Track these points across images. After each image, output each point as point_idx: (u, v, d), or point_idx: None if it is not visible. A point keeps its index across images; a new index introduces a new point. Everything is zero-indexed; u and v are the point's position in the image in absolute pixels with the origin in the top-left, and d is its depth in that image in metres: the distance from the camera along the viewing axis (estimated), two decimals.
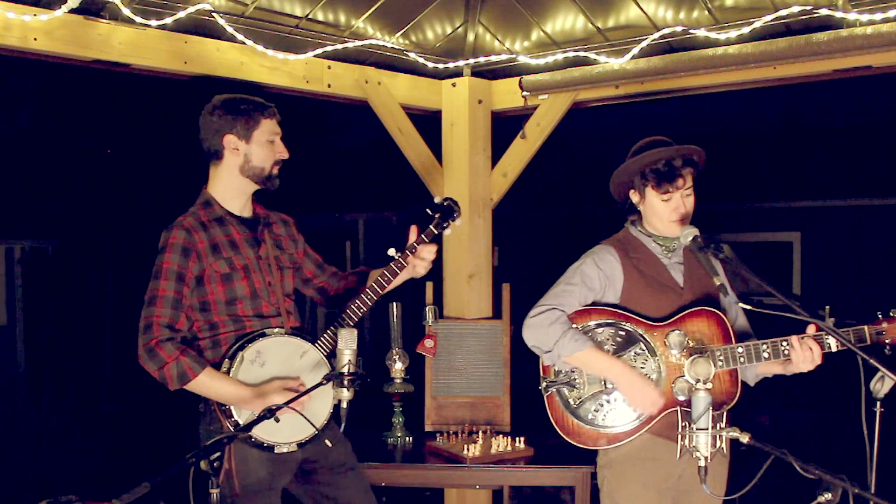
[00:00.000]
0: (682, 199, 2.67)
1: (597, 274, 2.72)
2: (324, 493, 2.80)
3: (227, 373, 2.56)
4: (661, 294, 2.71)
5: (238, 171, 2.69)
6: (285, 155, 2.75)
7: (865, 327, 2.50)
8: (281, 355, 2.65)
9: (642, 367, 2.66)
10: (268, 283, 2.71)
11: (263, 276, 2.70)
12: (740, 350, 2.59)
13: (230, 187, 2.71)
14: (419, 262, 2.84)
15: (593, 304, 2.73)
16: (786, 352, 2.55)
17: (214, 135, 2.67)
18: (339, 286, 3.02)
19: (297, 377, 2.64)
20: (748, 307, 2.54)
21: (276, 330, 2.67)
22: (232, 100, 2.70)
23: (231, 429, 2.53)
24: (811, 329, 2.52)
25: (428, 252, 2.84)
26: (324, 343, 2.73)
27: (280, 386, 2.57)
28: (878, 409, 2.54)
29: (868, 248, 10.47)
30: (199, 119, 2.71)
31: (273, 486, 2.65)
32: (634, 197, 2.76)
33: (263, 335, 2.64)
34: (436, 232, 2.89)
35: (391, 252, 2.81)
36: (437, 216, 2.89)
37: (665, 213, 2.69)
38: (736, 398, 2.65)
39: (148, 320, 2.51)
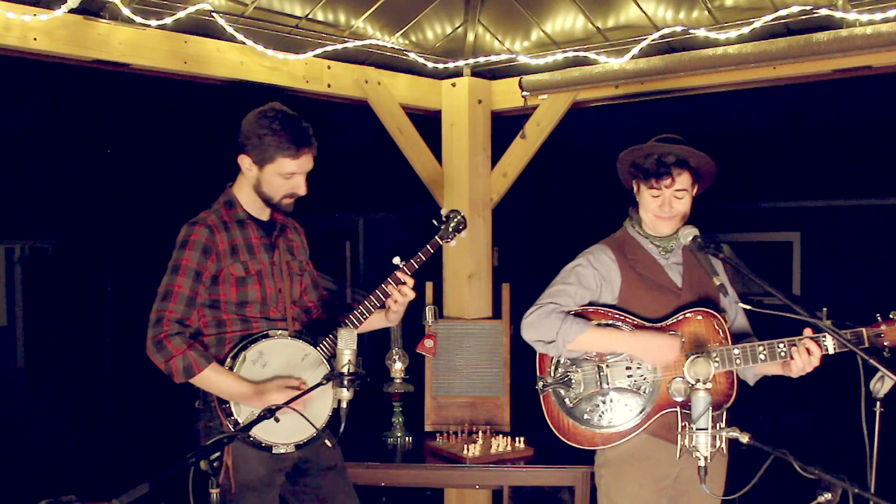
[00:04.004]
0: (670, 198, 2.65)
1: (592, 273, 2.72)
2: (311, 493, 2.81)
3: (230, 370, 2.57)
4: (660, 295, 2.70)
5: (251, 187, 2.69)
6: (301, 192, 2.68)
7: (864, 330, 2.48)
8: (283, 357, 2.66)
9: (638, 369, 2.66)
10: (278, 289, 2.73)
11: (275, 283, 2.72)
12: (736, 352, 2.58)
13: (248, 195, 2.72)
14: (394, 304, 2.80)
15: (591, 304, 2.73)
16: (782, 353, 2.53)
17: (237, 146, 2.64)
18: (323, 314, 2.97)
19: (298, 377, 2.65)
20: (748, 307, 2.53)
21: (280, 332, 2.68)
22: (265, 120, 2.59)
23: (230, 427, 2.54)
24: (808, 331, 2.51)
25: (407, 292, 2.80)
26: (325, 346, 2.74)
27: (281, 384, 2.57)
28: (878, 409, 2.53)
29: (868, 248, 10.47)
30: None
31: (271, 484, 2.65)
32: (635, 186, 2.76)
33: (267, 336, 2.65)
34: (441, 243, 2.90)
35: (396, 260, 2.81)
36: (442, 228, 2.91)
37: (651, 206, 2.68)
38: (732, 399, 2.64)
39: (160, 314, 2.52)
